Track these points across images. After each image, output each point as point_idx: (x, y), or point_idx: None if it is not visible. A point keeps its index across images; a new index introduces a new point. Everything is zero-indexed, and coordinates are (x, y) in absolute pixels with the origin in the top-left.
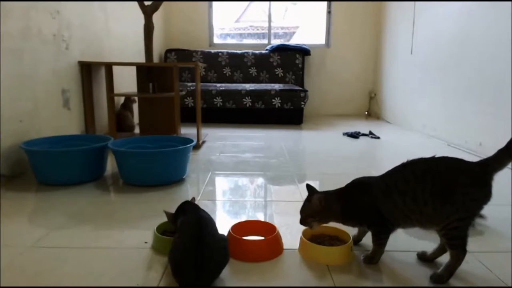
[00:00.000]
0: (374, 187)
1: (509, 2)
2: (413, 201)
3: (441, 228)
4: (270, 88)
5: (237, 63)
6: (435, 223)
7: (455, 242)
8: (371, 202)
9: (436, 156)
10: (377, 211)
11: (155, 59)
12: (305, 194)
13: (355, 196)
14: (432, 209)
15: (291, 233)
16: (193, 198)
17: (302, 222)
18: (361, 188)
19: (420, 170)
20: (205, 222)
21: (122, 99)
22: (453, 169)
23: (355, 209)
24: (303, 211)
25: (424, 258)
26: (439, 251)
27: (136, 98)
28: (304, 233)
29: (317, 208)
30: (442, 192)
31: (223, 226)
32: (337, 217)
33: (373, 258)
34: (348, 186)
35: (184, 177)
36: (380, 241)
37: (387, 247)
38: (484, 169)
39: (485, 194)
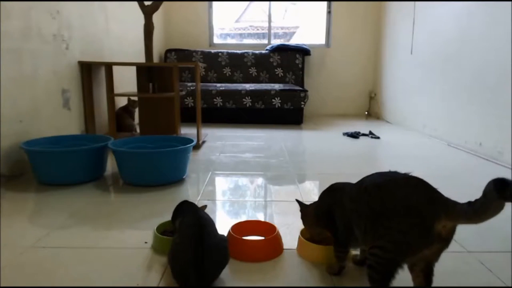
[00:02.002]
0: (339, 192)
1: (509, 2)
2: (357, 216)
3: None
4: (270, 88)
5: (237, 63)
6: (366, 243)
7: (370, 274)
8: (328, 206)
9: (399, 173)
10: (331, 217)
11: (155, 59)
12: (304, 194)
13: (319, 200)
14: (364, 228)
15: (291, 233)
16: (205, 206)
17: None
18: (327, 191)
19: (371, 183)
20: (204, 222)
21: (122, 101)
22: (397, 190)
23: (316, 212)
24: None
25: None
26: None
27: (137, 103)
28: (302, 232)
29: (302, 220)
30: (374, 212)
31: (223, 226)
32: (313, 222)
33: (332, 268)
34: (326, 189)
35: (184, 177)
36: (336, 253)
37: None
38: (432, 208)
39: (422, 235)
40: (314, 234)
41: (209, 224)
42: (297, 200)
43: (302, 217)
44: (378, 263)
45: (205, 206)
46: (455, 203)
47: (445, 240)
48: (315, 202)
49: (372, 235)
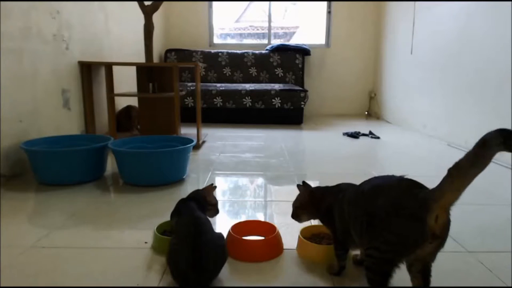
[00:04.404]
0: (341, 193)
1: (509, 2)
2: (354, 219)
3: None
4: (270, 88)
5: (237, 63)
6: (363, 246)
7: (368, 275)
8: (329, 205)
9: (396, 176)
10: (332, 216)
11: (155, 59)
12: None
13: (325, 197)
14: (361, 231)
15: (291, 233)
16: (213, 186)
17: (292, 214)
18: (333, 190)
19: (367, 187)
20: (201, 221)
21: (122, 101)
22: (386, 192)
23: (321, 209)
24: (294, 203)
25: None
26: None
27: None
28: (302, 232)
29: (304, 200)
30: (369, 215)
31: (223, 226)
32: (316, 212)
33: (332, 268)
34: (333, 186)
35: (184, 177)
36: (336, 251)
37: None
38: (420, 201)
39: (416, 231)
40: (303, 217)
41: (205, 223)
42: (303, 182)
43: (309, 200)
44: (374, 264)
45: (214, 187)
46: (438, 185)
47: (440, 237)
48: (321, 197)
49: (368, 237)
